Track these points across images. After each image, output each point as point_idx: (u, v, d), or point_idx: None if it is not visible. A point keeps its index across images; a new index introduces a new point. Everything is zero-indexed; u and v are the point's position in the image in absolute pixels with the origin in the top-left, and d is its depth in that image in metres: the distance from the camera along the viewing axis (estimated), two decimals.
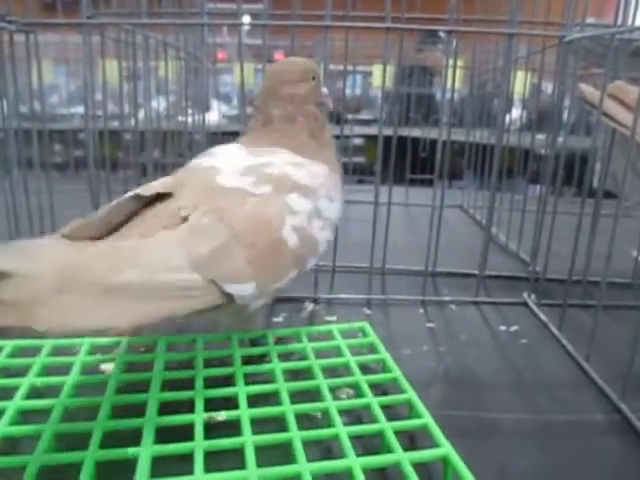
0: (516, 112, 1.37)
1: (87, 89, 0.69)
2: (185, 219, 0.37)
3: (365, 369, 0.43)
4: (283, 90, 0.47)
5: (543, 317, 0.60)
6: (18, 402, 0.37)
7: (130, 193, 0.39)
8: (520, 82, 0.97)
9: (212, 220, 0.37)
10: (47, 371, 0.42)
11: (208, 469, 0.31)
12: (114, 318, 0.30)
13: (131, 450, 0.32)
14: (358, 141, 2.49)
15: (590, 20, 0.74)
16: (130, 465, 0.31)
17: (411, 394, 0.39)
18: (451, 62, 0.64)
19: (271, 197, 0.40)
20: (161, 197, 0.39)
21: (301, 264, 0.42)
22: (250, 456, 0.32)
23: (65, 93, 2.06)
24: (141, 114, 0.79)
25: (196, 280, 0.34)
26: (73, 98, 1.97)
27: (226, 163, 0.43)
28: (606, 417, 0.42)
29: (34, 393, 0.39)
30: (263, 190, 0.40)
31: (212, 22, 0.69)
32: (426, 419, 0.36)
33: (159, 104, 0.97)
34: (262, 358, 0.45)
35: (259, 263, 0.38)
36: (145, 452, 0.32)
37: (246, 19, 0.98)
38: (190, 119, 0.99)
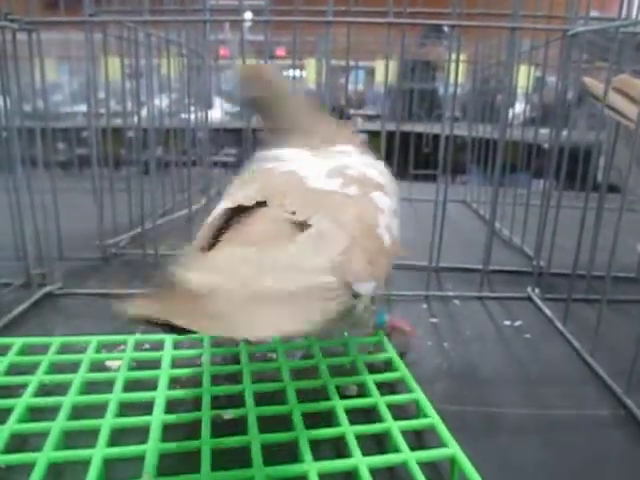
0: (519, 106, 1.37)
1: (90, 87, 0.70)
2: (300, 223, 0.36)
3: (372, 367, 0.44)
4: None
5: (547, 312, 0.60)
6: (27, 399, 0.37)
7: (228, 204, 0.37)
8: (523, 76, 0.96)
9: (331, 223, 0.36)
10: (55, 369, 0.42)
11: (215, 467, 0.31)
12: (285, 324, 0.29)
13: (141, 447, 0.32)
14: (361, 137, 2.50)
15: (594, 13, 0.74)
16: (138, 462, 0.31)
17: (418, 393, 0.39)
18: (454, 56, 0.64)
19: (363, 197, 0.40)
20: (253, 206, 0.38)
21: (392, 262, 0.41)
22: (256, 454, 0.32)
23: (68, 91, 2.06)
24: (144, 112, 0.79)
25: (333, 282, 0.33)
26: (76, 96, 1.97)
27: (303, 166, 0.42)
28: (611, 412, 0.42)
29: (43, 391, 0.39)
30: (352, 191, 0.40)
31: (214, 19, 0.70)
32: (433, 418, 0.36)
33: (162, 101, 0.97)
34: (268, 356, 0.46)
35: (374, 263, 0.37)
36: (152, 449, 0.32)
37: (248, 15, 0.98)
38: (192, 116, 0.99)
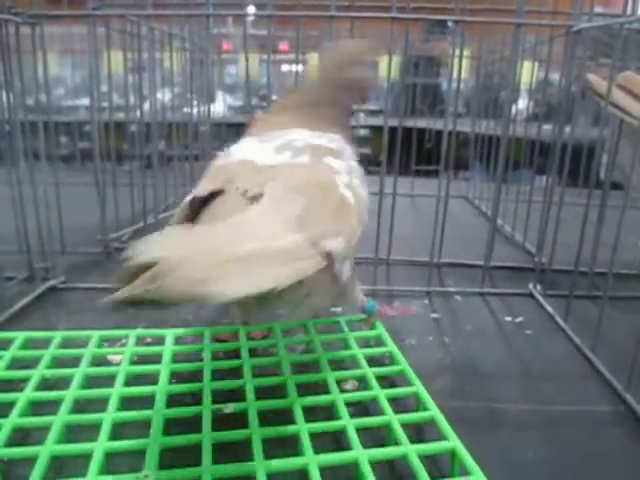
0: (523, 103, 1.36)
1: (92, 81, 0.70)
2: (254, 198, 0.36)
3: (372, 361, 0.44)
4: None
5: (549, 308, 0.60)
6: (29, 393, 0.37)
7: (188, 197, 0.39)
8: (527, 72, 0.96)
9: (283, 190, 0.37)
10: (57, 363, 0.43)
11: (216, 460, 0.31)
12: (253, 285, 0.29)
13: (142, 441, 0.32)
14: (364, 132, 2.49)
15: (598, 10, 0.74)
16: (139, 456, 0.31)
17: (418, 387, 0.39)
18: (457, 52, 0.64)
19: (314, 162, 0.41)
20: (212, 196, 0.39)
21: (361, 221, 0.41)
22: (257, 448, 0.32)
23: (71, 85, 2.06)
24: (146, 106, 0.79)
25: (299, 241, 0.33)
26: (79, 90, 1.97)
27: (254, 151, 0.43)
28: (611, 408, 0.42)
29: (44, 385, 0.40)
30: (303, 160, 0.41)
31: (217, 13, 0.69)
32: (433, 412, 0.36)
33: (164, 95, 0.97)
34: (269, 350, 0.46)
35: (338, 219, 0.37)
36: (154, 443, 0.32)
37: (251, 9, 0.98)
38: (195, 110, 0.99)
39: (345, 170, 0.42)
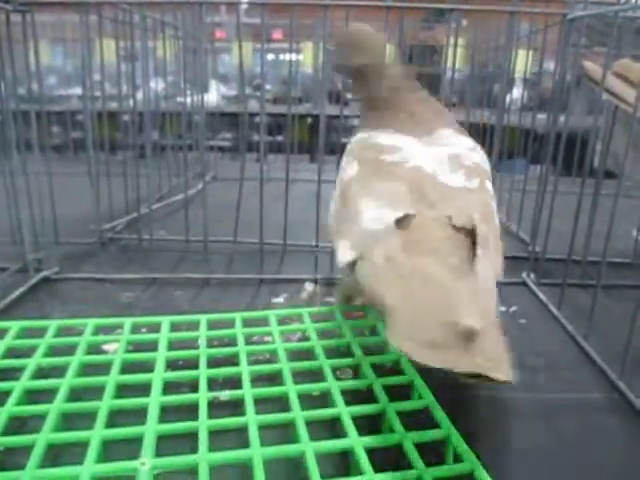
0: (517, 92, 1.36)
1: (85, 70, 0.69)
2: (463, 231, 0.36)
3: (368, 350, 0.44)
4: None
5: (542, 297, 0.60)
6: (24, 382, 0.37)
7: (391, 213, 0.37)
8: (522, 61, 0.96)
9: (488, 234, 0.38)
10: (53, 351, 0.43)
11: (212, 448, 0.31)
12: None
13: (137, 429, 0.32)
14: (357, 121, 2.48)
15: None
16: (136, 443, 0.31)
17: (413, 375, 0.39)
18: (452, 41, 0.63)
19: (484, 191, 0.41)
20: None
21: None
22: (253, 435, 0.32)
23: (63, 74, 2.04)
24: (139, 95, 0.78)
25: None
26: (71, 79, 1.96)
27: (425, 160, 0.42)
28: (605, 396, 0.43)
29: (40, 373, 0.40)
30: (475, 184, 0.41)
31: (210, 1, 0.69)
32: (428, 399, 0.36)
33: (157, 85, 0.96)
34: (265, 338, 0.46)
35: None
36: (150, 431, 0.32)
37: None
38: (189, 100, 0.98)
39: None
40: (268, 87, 2.26)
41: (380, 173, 0.41)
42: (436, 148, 0.43)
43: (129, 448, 0.31)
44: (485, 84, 1.18)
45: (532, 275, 0.66)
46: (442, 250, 0.34)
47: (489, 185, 0.43)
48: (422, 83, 0.52)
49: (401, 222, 0.36)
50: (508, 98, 0.97)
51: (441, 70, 0.71)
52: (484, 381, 0.28)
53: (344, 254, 0.39)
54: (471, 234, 0.36)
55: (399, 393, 0.39)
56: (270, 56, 2.19)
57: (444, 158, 0.42)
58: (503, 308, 0.58)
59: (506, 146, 0.88)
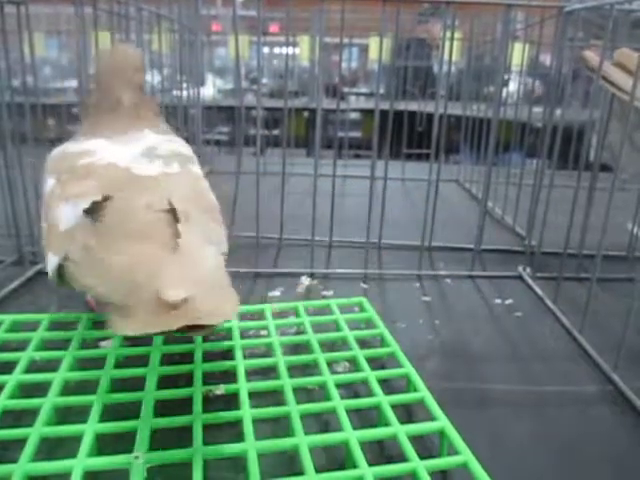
0: (513, 85, 1.36)
1: (80, 62, 0.68)
2: (163, 213, 0.36)
3: (363, 343, 0.44)
4: (134, 76, 0.49)
5: (538, 290, 0.60)
6: (18, 376, 0.37)
7: (81, 203, 0.37)
8: (518, 54, 0.96)
9: (193, 209, 0.38)
10: (46, 345, 0.42)
11: (206, 442, 0.31)
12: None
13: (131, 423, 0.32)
14: (355, 115, 2.48)
15: None
16: (129, 437, 0.31)
17: (409, 368, 0.39)
18: (448, 34, 0.63)
19: (185, 172, 0.44)
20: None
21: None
22: (248, 429, 0.32)
23: (58, 66, 2.03)
24: None
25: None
26: (66, 71, 1.95)
27: (117, 157, 0.43)
28: (599, 388, 0.43)
29: (33, 367, 0.39)
30: (175, 169, 0.43)
31: None
32: (423, 392, 0.36)
33: (153, 78, 0.96)
34: (260, 332, 0.46)
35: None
36: (144, 424, 0.32)
37: None
38: (185, 93, 0.98)
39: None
40: (265, 81, 2.25)
41: (74, 178, 0.41)
42: (130, 145, 0.45)
43: (123, 442, 0.31)
44: (481, 78, 1.18)
45: (528, 269, 0.66)
46: (139, 230, 0.35)
47: (193, 167, 0.46)
48: (419, 77, 0.52)
49: (94, 213, 0.37)
50: (504, 91, 0.97)
51: (436, 63, 0.70)
52: (203, 331, 0.31)
53: (50, 263, 0.39)
54: (173, 213, 0.36)
55: (394, 386, 0.40)
56: (266, 49, 2.18)
57: (137, 152, 0.44)
58: (499, 301, 0.58)
59: (502, 140, 0.88)
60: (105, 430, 0.32)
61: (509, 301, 0.58)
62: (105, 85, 0.49)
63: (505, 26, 0.62)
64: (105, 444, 0.32)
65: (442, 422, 0.33)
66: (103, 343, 0.44)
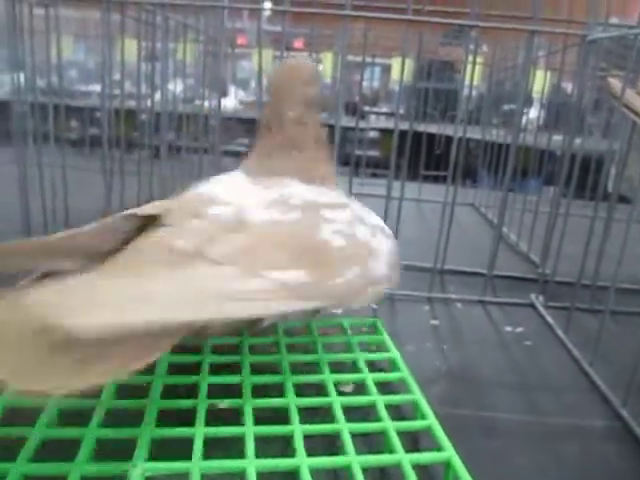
0: (534, 112, 1.36)
1: (105, 67, 0.70)
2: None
3: (373, 366, 0.43)
4: (298, 90, 0.46)
5: (550, 319, 0.60)
6: None
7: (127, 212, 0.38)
8: (539, 81, 0.96)
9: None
10: None
11: (207, 456, 0.31)
12: None
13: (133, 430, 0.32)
14: (373, 134, 2.49)
15: (614, 20, 0.73)
16: (129, 445, 0.31)
17: (418, 395, 0.39)
18: (471, 58, 0.63)
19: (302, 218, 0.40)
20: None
21: (361, 264, 0.40)
22: (250, 446, 0.32)
23: (84, 70, 2.06)
24: (157, 95, 0.78)
25: None
26: (92, 75, 1.98)
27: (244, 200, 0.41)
28: (607, 423, 0.42)
29: None
30: (293, 217, 0.40)
31: (232, 5, 0.69)
32: (430, 421, 0.36)
33: (176, 86, 0.97)
34: (269, 348, 0.46)
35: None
36: (145, 433, 0.32)
37: (267, 5, 0.98)
38: (206, 103, 0.99)
39: (345, 220, 0.42)
40: None
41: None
42: (263, 189, 0.42)
43: (123, 449, 0.31)
44: (501, 103, 1.18)
45: (540, 297, 0.65)
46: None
47: (325, 211, 0.41)
48: (439, 99, 0.51)
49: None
50: (524, 118, 0.97)
51: (458, 87, 0.70)
52: None
53: None
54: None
55: (401, 412, 0.39)
56: None
57: (268, 199, 0.41)
58: (509, 328, 0.58)
59: (520, 166, 0.88)
60: (106, 436, 0.32)
61: (520, 329, 0.58)
62: (274, 100, 0.47)
63: (528, 52, 0.62)
64: (104, 450, 0.31)
65: (448, 453, 0.33)
66: None
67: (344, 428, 0.34)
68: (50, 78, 0.63)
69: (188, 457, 0.30)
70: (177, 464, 0.30)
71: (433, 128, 1.46)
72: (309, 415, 0.36)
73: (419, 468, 0.32)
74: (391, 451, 0.33)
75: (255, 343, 0.45)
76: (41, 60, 0.62)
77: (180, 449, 0.31)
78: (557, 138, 0.83)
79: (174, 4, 0.72)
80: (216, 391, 0.38)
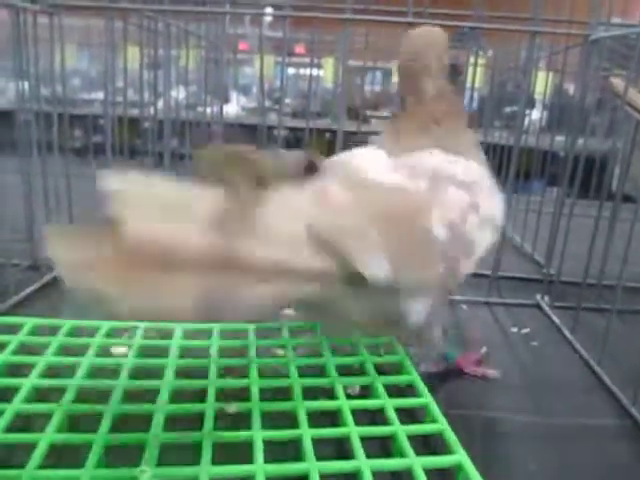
0: (536, 113, 1.35)
1: (107, 75, 0.70)
2: None
3: (381, 370, 0.43)
4: (435, 62, 0.42)
5: (556, 320, 0.59)
6: (33, 380, 0.37)
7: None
8: (541, 82, 0.96)
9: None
10: (64, 351, 0.43)
11: (215, 460, 0.31)
12: None
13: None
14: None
15: (615, 20, 0.73)
16: (138, 450, 0.31)
17: (428, 398, 0.38)
18: (473, 60, 0.63)
19: (423, 190, 0.37)
20: None
21: (452, 263, 0.37)
22: (258, 450, 0.32)
23: (87, 78, 2.07)
24: (160, 102, 0.79)
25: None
26: (94, 83, 1.98)
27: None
28: (617, 422, 0.42)
29: (50, 372, 0.39)
30: (420, 185, 0.37)
31: (234, 11, 0.69)
32: (441, 424, 0.36)
33: (179, 93, 0.97)
34: (277, 351, 0.45)
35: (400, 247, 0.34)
36: (154, 438, 0.32)
37: (268, 10, 0.98)
38: (209, 110, 0.99)
39: (462, 206, 0.38)
40: (288, 101, 2.27)
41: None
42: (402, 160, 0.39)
43: (132, 454, 0.31)
44: (504, 105, 1.18)
45: (546, 297, 0.65)
46: None
47: (449, 189, 0.38)
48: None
49: None
50: (527, 119, 0.97)
51: (461, 89, 0.70)
52: None
53: None
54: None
55: (411, 415, 0.39)
56: (291, 70, 2.20)
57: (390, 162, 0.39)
58: (515, 329, 0.58)
59: (523, 167, 0.88)
60: (114, 441, 0.32)
61: (526, 330, 0.58)
62: (408, 74, 0.43)
63: (529, 53, 0.62)
64: (113, 455, 0.32)
65: (459, 456, 0.32)
66: (117, 349, 0.44)
67: (353, 432, 0.34)
68: (54, 87, 0.64)
69: (197, 462, 0.30)
70: (186, 469, 0.30)
71: None
72: (318, 418, 0.36)
73: (430, 472, 0.31)
74: (402, 454, 0.33)
75: (262, 345, 0.45)
76: (45, 69, 0.62)
77: (189, 454, 0.31)
78: (560, 139, 0.83)
79: (176, 11, 0.73)
80: (224, 395, 0.38)
